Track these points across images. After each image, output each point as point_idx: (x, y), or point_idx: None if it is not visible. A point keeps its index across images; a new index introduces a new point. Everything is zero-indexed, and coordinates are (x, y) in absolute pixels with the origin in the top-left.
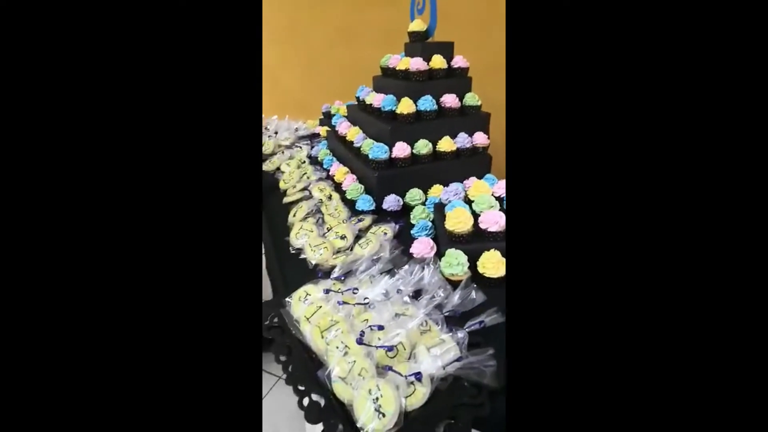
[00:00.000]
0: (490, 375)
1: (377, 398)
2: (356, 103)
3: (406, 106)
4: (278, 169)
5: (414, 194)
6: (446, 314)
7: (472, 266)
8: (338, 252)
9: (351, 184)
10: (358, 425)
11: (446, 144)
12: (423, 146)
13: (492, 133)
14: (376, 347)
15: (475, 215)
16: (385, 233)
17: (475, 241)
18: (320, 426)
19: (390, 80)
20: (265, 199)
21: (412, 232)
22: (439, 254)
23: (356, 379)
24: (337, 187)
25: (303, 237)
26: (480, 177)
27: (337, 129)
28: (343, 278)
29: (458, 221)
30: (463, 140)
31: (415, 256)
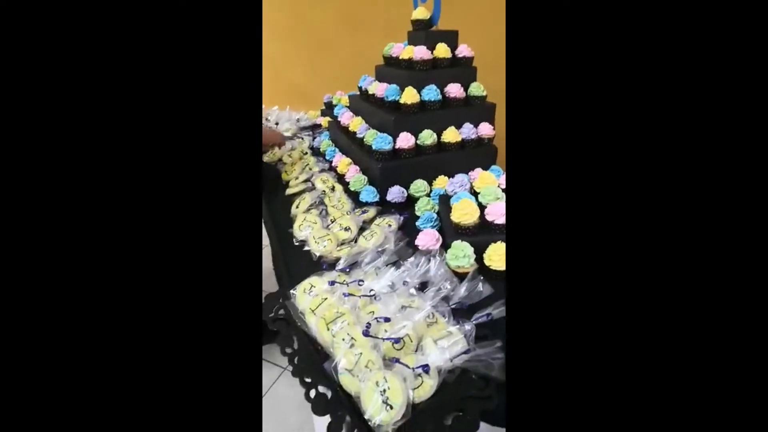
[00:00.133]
0: (498, 367)
1: (384, 390)
2: (358, 93)
3: (409, 96)
4: (280, 160)
5: (418, 186)
6: (453, 306)
7: (479, 258)
8: (342, 244)
9: (354, 176)
10: (366, 417)
11: (451, 135)
12: (427, 137)
13: (498, 124)
14: (383, 339)
15: (481, 207)
16: (390, 225)
17: (481, 233)
18: (327, 418)
19: (393, 70)
20: (266, 190)
21: (417, 223)
22: (445, 246)
23: (363, 371)
24: (340, 178)
25: (306, 229)
26: (485, 168)
27: (339, 119)
28: (348, 270)
29: (464, 213)
30: (468, 131)
31: (420, 248)
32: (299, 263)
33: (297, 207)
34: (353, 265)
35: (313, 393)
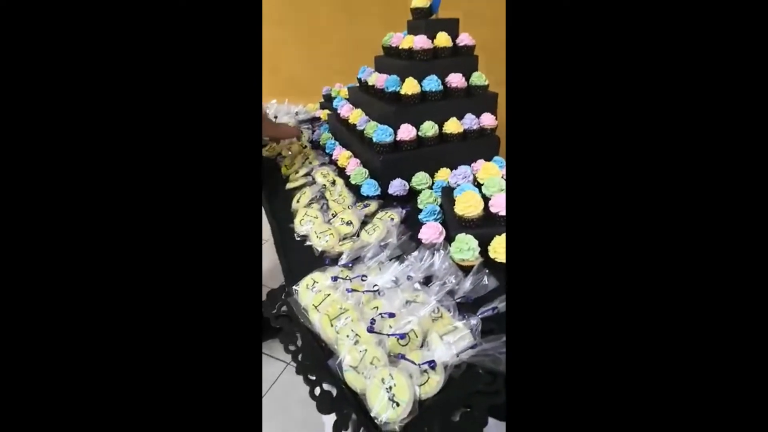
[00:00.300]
0: (505, 362)
1: (390, 387)
2: (357, 84)
3: (410, 87)
4: (279, 154)
5: (420, 178)
6: (458, 300)
7: (483, 251)
8: (344, 238)
9: (355, 169)
10: (372, 415)
11: (453, 126)
12: (429, 128)
13: (500, 115)
14: (388, 335)
15: (485, 199)
16: (392, 219)
17: (485, 226)
18: (333, 415)
19: (393, 60)
20: (266, 185)
21: (419, 217)
22: (449, 239)
23: (368, 368)
24: (341, 171)
25: (308, 224)
26: (488, 159)
27: (338, 112)
28: (350, 265)
29: (468, 205)
30: (470, 122)
31: (423, 241)
32: (301, 259)
33: (298, 202)
34: (356, 260)
35: (317, 391)
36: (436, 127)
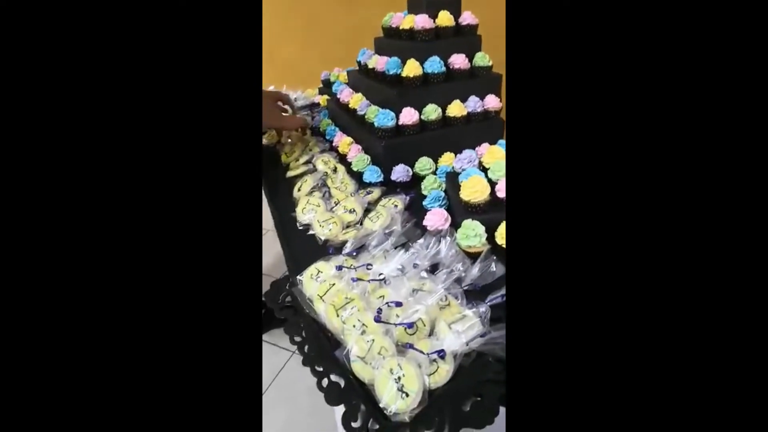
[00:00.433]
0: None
1: (399, 378)
2: (357, 68)
3: (412, 69)
4: (279, 141)
5: (424, 163)
6: (465, 288)
7: (490, 237)
8: (348, 227)
9: (357, 156)
10: (381, 405)
11: (456, 108)
12: (432, 111)
13: (504, 96)
14: (395, 325)
15: (491, 183)
16: (396, 205)
17: (492, 211)
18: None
19: (393, 41)
20: (265, 173)
21: (424, 203)
22: (454, 225)
23: (376, 359)
24: (342, 158)
25: (310, 212)
26: (492, 143)
27: (338, 97)
28: (355, 254)
29: (474, 190)
30: (474, 104)
31: (429, 228)
32: (304, 248)
33: (299, 190)
34: (360, 249)
35: (325, 382)
36: (439, 110)
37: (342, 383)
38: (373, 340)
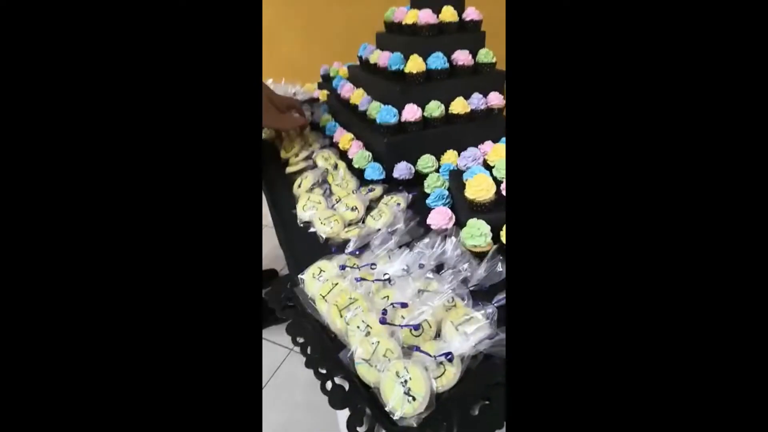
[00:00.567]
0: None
1: (406, 381)
2: (358, 63)
3: (415, 65)
4: (277, 136)
5: (426, 161)
6: (472, 288)
7: (495, 236)
8: (350, 225)
9: (358, 152)
10: (387, 409)
11: (459, 105)
12: (435, 108)
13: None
14: (401, 326)
15: (497, 182)
16: (398, 204)
17: (497, 210)
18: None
19: (396, 36)
20: (264, 168)
21: (427, 201)
22: (458, 224)
23: (381, 361)
24: (342, 155)
25: (311, 209)
26: (495, 140)
27: (339, 92)
28: (357, 253)
29: (480, 189)
30: (477, 101)
31: (432, 227)
32: (305, 246)
33: (299, 186)
34: (364, 248)
35: (329, 385)
36: (443, 107)
37: (346, 386)
38: (378, 342)
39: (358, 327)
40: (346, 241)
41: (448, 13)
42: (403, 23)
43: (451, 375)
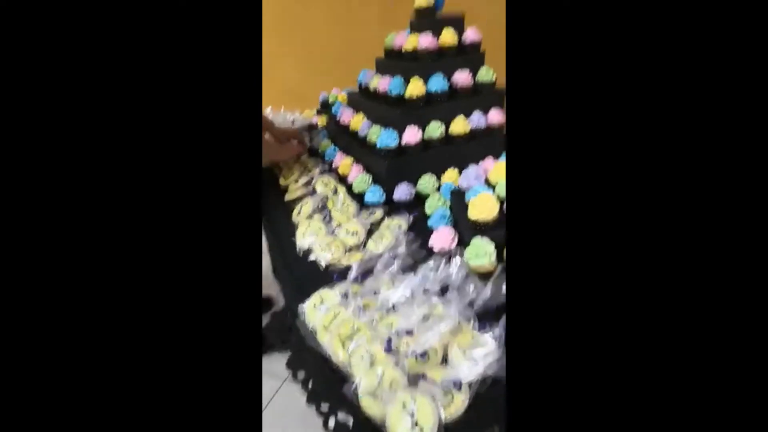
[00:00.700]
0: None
1: (413, 413)
2: (356, 89)
3: (415, 88)
4: (276, 164)
5: (427, 181)
6: (477, 310)
7: (500, 255)
8: (350, 250)
9: (358, 176)
10: None
11: (460, 125)
12: (435, 129)
13: None
14: (407, 355)
15: (500, 201)
16: (400, 226)
17: (500, 228)
18: None
19: (396, 62)
20: (263, 196)
21: (429, 222)
22: (462, 244)
23: (387, 392)
24: (342, 179)
25: (310, 236)
26: (497, 157)
27: (339, 118)
28: (359, 279)
29: (484, 209)
30: (477, 120)
31: (435, 249)
32: (305, 274)
33: (299, 213)
34: (366, 274)
35: (332, 423)
36: (443, 127)
37: (350, 422)
38: (383, 372)
39: (361, 357)
40: (348, 268)
41: (448, 37)
42: (404, 50)
43: (459, 403)
